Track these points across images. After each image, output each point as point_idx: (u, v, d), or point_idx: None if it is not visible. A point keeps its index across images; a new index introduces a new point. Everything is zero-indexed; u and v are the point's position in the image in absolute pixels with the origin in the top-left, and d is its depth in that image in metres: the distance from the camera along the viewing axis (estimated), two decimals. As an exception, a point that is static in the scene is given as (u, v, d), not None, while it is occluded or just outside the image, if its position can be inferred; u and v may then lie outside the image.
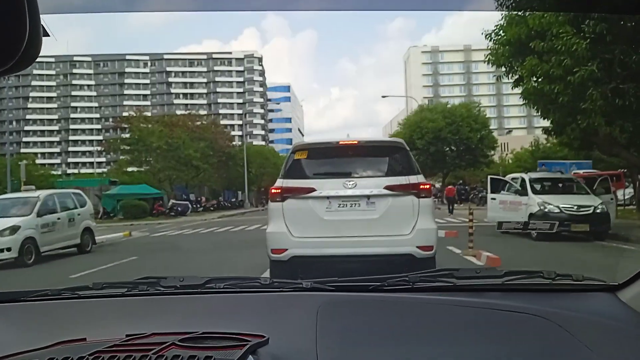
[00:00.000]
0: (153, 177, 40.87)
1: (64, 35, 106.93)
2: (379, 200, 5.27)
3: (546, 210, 11.95)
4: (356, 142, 5.72)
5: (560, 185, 13.58)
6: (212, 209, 42.41)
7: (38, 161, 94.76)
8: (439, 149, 37.84)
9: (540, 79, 12.01)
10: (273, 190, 5.53)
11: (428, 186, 5.52)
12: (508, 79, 14.96)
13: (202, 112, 66.06)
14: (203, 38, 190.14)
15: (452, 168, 40.58)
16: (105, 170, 48.26)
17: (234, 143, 53.81)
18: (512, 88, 15.75)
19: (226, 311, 1.46)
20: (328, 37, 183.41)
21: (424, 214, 5.27)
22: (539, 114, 14.53)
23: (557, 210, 11.84)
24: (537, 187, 13.06)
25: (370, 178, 5.45)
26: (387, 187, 5.26)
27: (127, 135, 41.00)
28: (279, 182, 5.52)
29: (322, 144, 5.87)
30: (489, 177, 14.39)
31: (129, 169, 44.75)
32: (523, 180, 13.37)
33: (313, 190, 5.31)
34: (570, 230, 11.64)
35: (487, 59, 14.66)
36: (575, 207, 11.78)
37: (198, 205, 40.03)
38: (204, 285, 1.58)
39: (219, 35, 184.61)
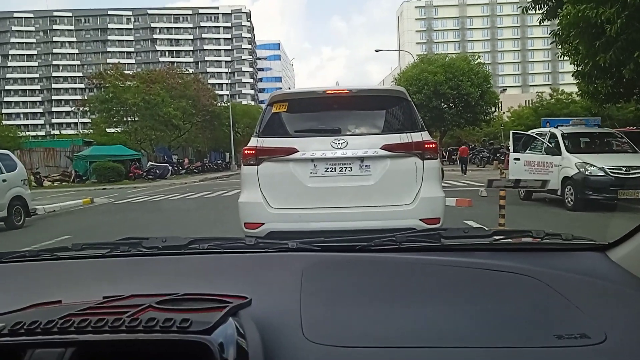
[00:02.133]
0: (131, 138, 38.08)
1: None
2: (374, 162, 4.32)
3: (587, 172, 9.52)
4: (347, 91, 4.55)
5: (598, 142, 11.12)
6: (195, 171, 40.01)
7: (20, 122, 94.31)
8: (437, 105, 35.01)
9: (584, 6, 9.29)
10: (246, 151, 4.47)
11: (434, 145, 4.44)
12: (535, 10, 12.30)
13: (189, 70, 62.67)
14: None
15: (450, 126, 37.88)
16: (91, 131, 45.02)
17: (219, 101, 50.69)
18: (539, 22, 13.08)
19: (209, 272, 1.39)
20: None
21: (429, 179, 4.30)
22: (577, 53, 11.69)
23: (601, 173, 9.42)
24: (572, 144, 10.56)
25: (364, 136, 4.47)
26: (384, 147, 4.28)
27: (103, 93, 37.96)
28: (253, 141, 4.45)
29: (306, 94, 4.67)
30: (511, 132, 11.61)
31: (110, 130, 41.92)
32: (554, 135, 10.81)
33: (295, 151, 4.32)
34: (617, 198, 9.28)
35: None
36: (625, 169, 9.37)
37: (180, 168, 37.38)
38: (187, 246, 1.56)
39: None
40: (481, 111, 35.87)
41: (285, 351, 0.91)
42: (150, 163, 33.16)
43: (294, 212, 4.34)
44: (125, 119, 37.89)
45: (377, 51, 46.16)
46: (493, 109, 36.54)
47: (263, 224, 4.33)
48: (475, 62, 36.11)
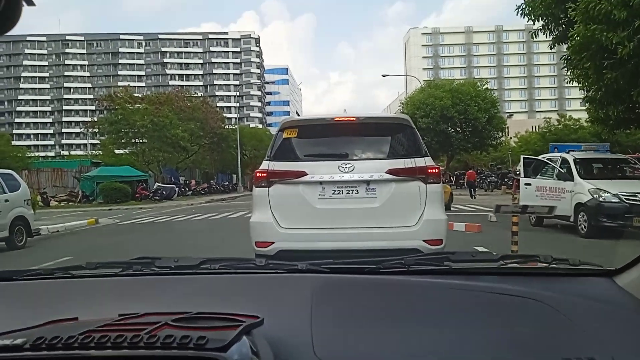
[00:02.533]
0: (139, 159, 38.15)
1: (56, 13, 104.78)
2: (380, 186, 4.53)
3: (601, 199, 9.29)
4: (354, 118, 4.81)
5: (611, 167, 10.90)
6: (202, 192, 39.93)
7: (31, 142, 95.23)
8: (444, 129, 34.91)
9: (594, 26, 9.17)
10: (258, 174, 4.73)
11: (437, 170, 4.70)
12: (546, 36, 12.22)
13: (199, 92, 63.28)
14: (201, 22, 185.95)
15: (457, 151, 37.66)
16: (100, 152, 45.25)
17: (227, 124, 50.91)
18: (550, 47, 12.99)
19: (220, 292, 1.42)
20: (327, 21, 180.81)
21: (432, 202, 4.51)
22: (587, 78, 11.53)
23: (615, 200, 9.18)
24: (584, 169, 10.33)
25: (370, 160, 4.69)
26: (389, 171, 4.50)
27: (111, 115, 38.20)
28: (265, 165, 4.72)
29: (315, 121, 5.05)
30: (522, 157, 11.43)
31: (118, 151, 42.06)
32: (565, 160, 10.59)
33: (304, 174, 4.54)
34: (631, 225, 9.02)
35: (520, 11, 11.85)
36: (640, 196, 9.14)
37: (187, 189, 37.31)
38: (198, 266, 1.57)
39: (217, 19, 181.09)
40: (488, 136, 35.69)
41: None
42: (157, 184, 33.09)
43: (303, 232, 4.51)
44: (133, 141, 37.96)
45: (384, 76, 46.45)
46: (500, 133, 36.36)
47: (273, 242, 4.53)
48: (483, 88, 36.03)
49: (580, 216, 9.64)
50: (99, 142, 46.01)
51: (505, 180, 29.95)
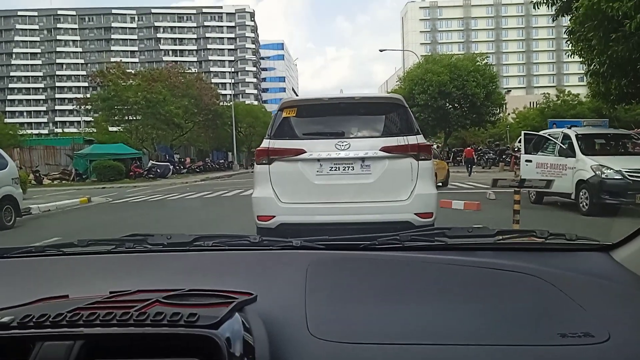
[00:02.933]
0: (132, 137, 37.69)
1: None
2: (374, 162, 4.78)
3: (604, 175, 9.04)
4: (350, 98, 5.22)
5: (613, 143, 10.62)
6: (197, 170, 39.65)
7: (24, 120, 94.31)
8: (442, 105, 34.44)
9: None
10: (259, 151, 5.03)
11: (428, 147, 5.01)
12: (548, 7, 11.81)
13: (193, 69, 62.40)
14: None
15: (455, 127, 37.28)
16: (94, 130, 44.64)
17: (222, 101, 50.28)
18: (553, 19, 12.60)
19: (214, 269, 1.40)
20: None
21: (423, 177, 4.79)
22: (590, 50, 11.15)
23: (618, 177, 8.94)
24: (586, 145, 10.03)
25: (365, 138, 4.94)
26: (383, 149, 4.75)
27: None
28: (265, 143, 4.97)
29: (313, 101, 5.24)
30: (522, 133, 11.10)
31: (112, 129, 41.50)
32: (567, 136, 10.27)
33: (303, 151, 4.79)
34: (633, 202, 8.80)
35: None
36: (644, 172, 8.89)
37: (181, 167, 36.99)
38: (191, 243, 1.56)
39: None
40: (487, 112, 35.27)
41: (290, 347, 0.92)
42: (151, 162, 32.73)
43: (302, 206, 4.76)
44: (126, 118, 37.43)
45: (381, 51, 45.89)
46: (499, 109, 35.90)
47: (274, 216, 4.77)
48: (483, 63, 35.43)
49: (581, 193, 9.42)
50: (92, 119, 45.29)
51: (504, 157, 29.71)
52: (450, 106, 35.37)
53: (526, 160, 10.39)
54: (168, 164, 33.37)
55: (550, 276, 1.19)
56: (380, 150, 4.72)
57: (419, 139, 4.82)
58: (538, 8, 12.57)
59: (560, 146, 10.19)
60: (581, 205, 9.46)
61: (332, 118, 5.08)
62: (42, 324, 0.81)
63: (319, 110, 5.13)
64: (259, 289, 1.01)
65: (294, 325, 0.98)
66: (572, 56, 13.83)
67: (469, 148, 30.88)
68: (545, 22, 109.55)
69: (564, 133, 10.43)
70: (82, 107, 41.59)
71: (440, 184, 16.77)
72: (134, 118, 36.92)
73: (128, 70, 42.37)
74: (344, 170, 4.79)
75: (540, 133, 11.37)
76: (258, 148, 5.09)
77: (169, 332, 0.80)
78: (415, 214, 4.68)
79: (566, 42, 14.01)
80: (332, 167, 4.79)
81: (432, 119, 34.99)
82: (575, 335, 0.94)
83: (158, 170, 30.78)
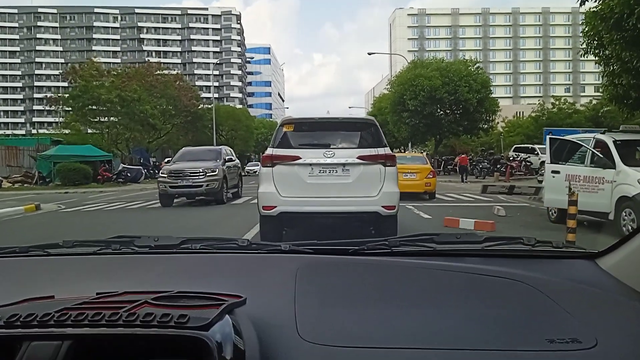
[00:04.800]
0: (105, 138, 35.25)
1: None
2: (352, 167, 6.17)
3: (657, 192, 7.16)
4: (335, 118, 7.02)
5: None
6: (174, 175, 37.27)
7: (0, 120, 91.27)
8: (433, 111, 32.62)
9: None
10: (264, 157, 6.44)
11: (393, 157, 6.46)
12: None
13: (177, 71, 60.34)
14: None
15: (447, 134, 35.44)
16: (69, 131, 41.95)
17: (202, 103, 47.91)
18: (580, 3, 10.86)
19: (202, 272, 1.40)
20: (311, 1, 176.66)
21: (389, 179, 6.20)
22: (610, 46, 9.48)
23: (673, 194, 7.07)
24: (627, 154, 8.03)
25: (346, 149, 6.33)
26: (359, 157, 6.17)
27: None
28: (269, 150, 6.36)
29: (307, 120, 6.80)
30: (548, 137, 8.99)
31: (89, 130, 38.89)
32: (601, 143, 8.25)
33: (298, 157, 6.18)
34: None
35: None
36: None
37: (156, 171, 34.57)
38: (179, 245, 1.55)
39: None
40: (480, 119, 33.51)
41: (280, 350, 0.92)
42: (122, 165, 30.40)
43: (297, 199, 6.14)
44: (98, 118, 34.96)
45: (369, 54, 44.47)
46: (492, 117, 34.13)
47: (276, 206, 6.15)
48: (474, 67, 33.67)
49: (624, 213, 7.52)
50: (64, 119, 42.72)
51: (498, 166, 27.95)
52: (442, 112, 33.51)
53: (552, 172, 8.47)
54: (140, 167, 31.05)
55: (537, 282, 1.19)
56: (357, 158, 6.14)
57: (387, 151, 6.29)
58: None
59: (596, 154, 8.23)
60: (624, 228, 7.55)
61: (321, 133, 6.53)
62: (29, 324, 0.80)
63: (312, 127, 6.61)
64: (248, 292, 0.99)
65: (284, 329, 0.97)
66: (586, 55, 12.41)
67: (463, 156, 29.78)
68: (533, 32, 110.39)
69: (597, 139, 8.46)
70: (54, 106, 38.97)
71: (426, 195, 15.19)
72: (107, 119, 34.44)
73: (104, 69, 39.90)
74: (329, 172, 6.18)
75: (568, 137, 9.34)
76: (264, 154, 6.50)
77: (159, 333, 0.79)
78: (382, 206, 6.10)
79: (582, 39, 12.57)
80: (320, 170, 6.17)
81: (423, 125, 33.19)
82: (562, 341, 0.94)
83: (129, 174, 28.52)
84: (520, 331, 0.99)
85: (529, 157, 27.85)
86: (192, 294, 0.94)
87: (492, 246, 1.49)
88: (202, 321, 0.79)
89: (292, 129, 6.38)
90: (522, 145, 30.99)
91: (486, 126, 34.35)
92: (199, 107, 43.92)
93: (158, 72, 40.40)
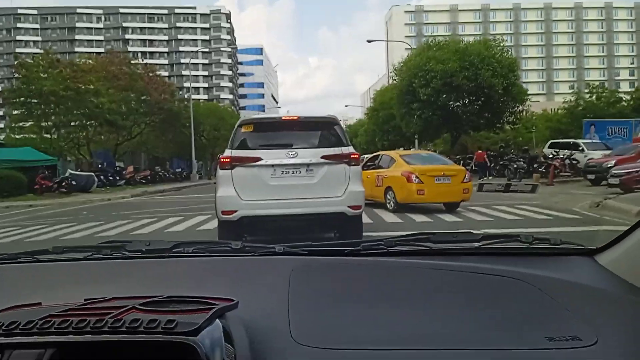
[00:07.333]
0: (53, 138, 29.28)
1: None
2: (316, 167, 6.05)
3: None
4: (296, 117, 6.52)
5: None
6: (143, 181, 31.55)
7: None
8: (449, 101, 26.96)
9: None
10: (222, 159, 6.11)
11: (357, 156, 6.34)
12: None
13: (164, 73, 55.02)
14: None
15: (465, 128, 29.64)
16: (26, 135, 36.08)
17: (177, 99, 42.05)
18: None
19: (195, 276, 1.39)
20: (307, 4, 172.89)
21: (354, 178, 6.13)
22: None
23: None
24: None
25: (309, 149, 6.14)
26: (323, 157, 6.04)
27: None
28: (228, 152, 6.09)
29: (266, 119, 6.89)
30: None
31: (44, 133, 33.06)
32: None
33: (259, 159, 5.96)
34: None
35: None
36: None
37: (117, 177, 28.81)
38: (171, 249, 1.53)
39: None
40: (505, 109, 27.73)
41: (273, 353, 0.91)
42: (69, 172, 24.62)
43: (260, 202, 5.96)
44: (48, 114, 28.99)
45: (369, 41, 38.74)
46: (520, 107, 28.36)
47: (237, 210, 5.92)
48: (498, 48, 27.91)
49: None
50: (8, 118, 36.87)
51: (535, 166, 22.28)
52: (460, 102, 27.75)
53: None
54: (91, 174, 25.17)
55: (535, 280, 1.18)
56: (321, 157, 6.08)
57: (351, 150, 6.27)
58: None
59: None
60: None
61: (282, 133, 6.43)
62: (11, 332, 0.79)
63: (273, 127, 6.56)
64: (240, 295, 0.97)
65: (277, 332, 0.96)
66: None
67: (480, 151, 25.87)
68: (535, 29, 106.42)
69: None
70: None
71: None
72: (55, 116, 28.45)
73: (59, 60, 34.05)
74: (293, 173, 6.10)
75: None
76: (221, 156, 6.23)
77: (146, 339, 0.77)
78: (348, 206, 6.07)
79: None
80: (283, 171, 6.06)
81: (437, 117, 27.54)
82: (563, 338, 0.93)
83: (73, 183, 22.70)
84: (519, 330, 0.97)
85: (573, 154, 22.05)
86: (182, 298, 0.91)
87: (489, 244, 1.47)
88: (190, 326, 0.78)
89: (252, 130, 6.27)
90: (561, 141, 25.08)
91: (512, 118, 28.58)
92: (174, 104, 37.97)
93: (124, 62, 34.56)
